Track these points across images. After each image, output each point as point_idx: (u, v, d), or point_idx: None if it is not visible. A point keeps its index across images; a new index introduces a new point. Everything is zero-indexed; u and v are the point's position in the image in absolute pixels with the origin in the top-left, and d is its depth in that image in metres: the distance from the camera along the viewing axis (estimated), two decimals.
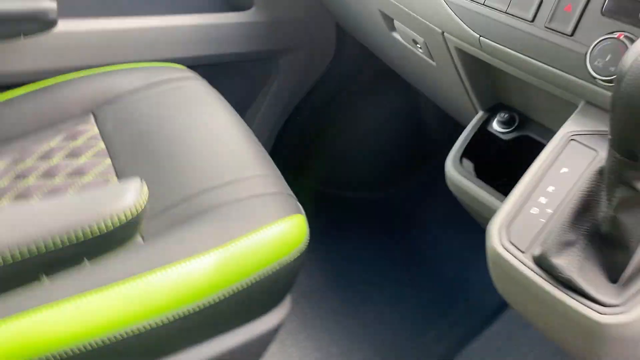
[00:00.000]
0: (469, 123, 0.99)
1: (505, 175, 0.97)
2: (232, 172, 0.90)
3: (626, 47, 0.58)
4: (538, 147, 0.88)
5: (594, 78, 0.61)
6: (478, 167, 0.94)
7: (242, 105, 1.67)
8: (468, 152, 0.94)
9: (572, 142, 0.63)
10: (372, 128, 1.79)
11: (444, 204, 1.36)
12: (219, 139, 0.98)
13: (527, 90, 0.81)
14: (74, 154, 1.01)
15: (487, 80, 0.87)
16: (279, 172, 0.96)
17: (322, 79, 1.73)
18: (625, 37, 0.59)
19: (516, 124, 0.91)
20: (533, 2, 0.67)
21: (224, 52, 1.49)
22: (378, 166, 1.78)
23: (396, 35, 1.05)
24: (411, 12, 0.88)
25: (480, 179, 0.92)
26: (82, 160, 0.99)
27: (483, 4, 0.72)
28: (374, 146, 1.78)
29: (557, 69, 0.67)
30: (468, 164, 0.92)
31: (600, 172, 0.55)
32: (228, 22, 1.46)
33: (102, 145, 1.02)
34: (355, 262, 1.59)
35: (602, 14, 0.61)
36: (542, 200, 0.60)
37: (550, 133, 0.87)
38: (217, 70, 1.55)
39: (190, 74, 1.21)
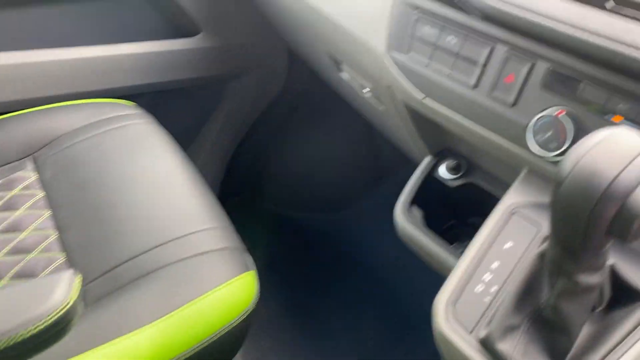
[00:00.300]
0: (418, 162, 0.99)
1: (454, 220, 0.98)
2: (178, 227, 0.87)
3: (566, 126, 0.58)
4: (485, 194, 0.89)
5: (536, 153, 0.61)
6: (427, 213, 0.94)
7: (192, 130, 1.64)
8: (417, 198, 0.94)
9: (515, 215, 0.63)
10: (326, 149, 1.78)
11: None
12: (165, 188, 0.95)
13: (474, 146, 0.81)
14: (10, 206, 0.96)
15: (434, 130, 0.87)
16: (227, 222, 0.93)
17: (275, 101, 1.71)
18: (565, 114, 0.59)
19: (463, 171, 0.92)
20: (475, 69, 0.67)
21: (173, 79, 1.45)
22: (334, 187, 1.77)
23: (344, 76, 1.03)
24: (358, 62, 0.87)
25: (430, 225, 0.93)
26: (19, 214, 0.94)
27: (426, 66, 0.72)
28: (329, 167, 1.77)
29: (499, 137, 0.67)
30: (417, 212, 0.91)
31: (542, 255, 0.55)
32: (176, 48, 1.42)
33: (41, 194, 0.98)
34: (311, 288, 1.58)
35: (543, 87, 0.62)
36: (487, 277, 0.60)
37: (496, 181, 0.88)
38: (165, 96, 1.51)
39: (135, 110, 1.16)
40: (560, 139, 0.59)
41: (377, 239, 1.69)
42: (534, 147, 0.61)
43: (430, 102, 0.74)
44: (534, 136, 0.61)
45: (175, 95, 1.52)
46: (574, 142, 0.58)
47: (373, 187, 1.77)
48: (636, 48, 0.52)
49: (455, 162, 0.91)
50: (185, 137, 1.63)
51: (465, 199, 0.93)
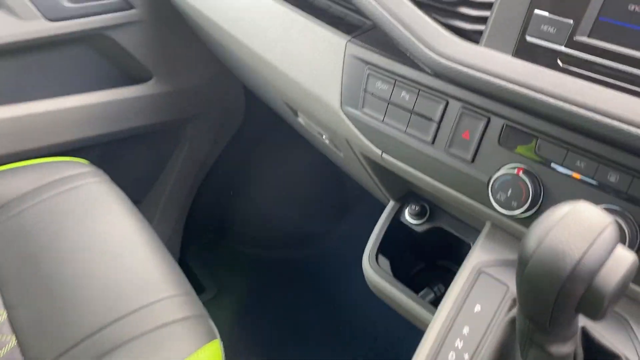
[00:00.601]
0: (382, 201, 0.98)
1: (423, 263, 0.96)
2: (138, 298, 0.83)
3: (526, 184, 0.57)
4: (452, 237, 0.88)
5: (498, 211, 0.60)
6: (395, 258, 0.92)
7: (151, 176, 1.59)
8: (384, 244, 0.92)
9: (483, 275, 0.62)
10: (290, 183, 1.75)
11: None
12: (122, 255, 0.90)
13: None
14: None
15: (395, 178, 0.85)
16: (188, 288, 0.89)
17: (235, 140, 1.68)
18: (524, 172, 0.58)
19: (428, 215, 0.91)
20: (431, 126, 0.65)
21: (126, 128, 1.41)
22: (300, 222, 1.75)
23: (301, 121, 1.02)
24: (314, 114, 0.85)
25: (399, 270, 0.91)
26: None
27: (382, 122, 0.70)
28: (294, 202, 1.75)
29: (460, 193, 0.65)
30: (384, 262, 0.90)
31: (513, 321, 0.54)
32: (127, 96, 1.38)
33: None
34: (282, 329, 1.54)
35: (500, 143, 0.61)
36: (459, 344, 0.58)
37: (462, 224, 0.87)
38: (120, 145, 1.46)
39: (86, 167, 1.12)
40: (522, 198, 0.58)
41: (348, 272, 1.66)
42: (495, 205, 0.60)
43: (388, 158, 0.72)
44: (495, 195, 0.60)
45: (130, 143, 1.48)
46: (534, 200, 0.58)
47: (341, 219, 1.75)
48: (587, 108, 0.52)
49: (418, 207, 0.90)
50: (143, 184, 1.59)
51: (432, 242, 0.92)
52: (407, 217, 0.92)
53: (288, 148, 1.71)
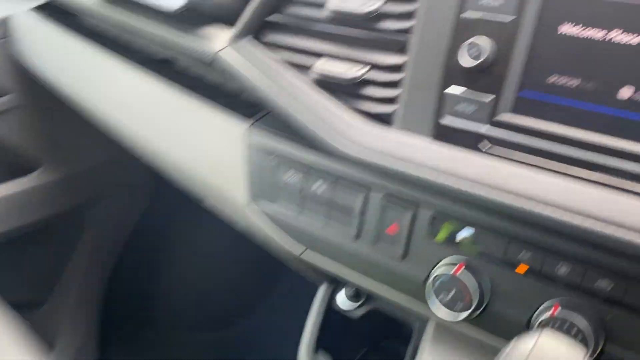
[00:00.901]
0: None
1: (367, 347, 0.88)
2: None
3: (467, 284, 0.50)
4: (392, 322, 0.80)
5: (441, 317, 0.52)
6: (335, 347, 0.83)
7: (53, 272, 1.42)
8: (320, 335, 0.83)
9: None
10: (212, 257, 1.62)
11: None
12: None
13: None
14: None
15: None
16: None
17: (146, 218, 1.54)
18: (465, 270, 0.51)
19: (365, 297, 0.82)
20: (353, 219, 0.57)
21: (18, 226, 1.25)
22: (226, 299, 1.61)
23: (210, 205, 0.91)
24: (221, 210, 0.75)
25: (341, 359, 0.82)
26: None
27: (299, 215, 0.61)
28: (217, 278, 1.61)
29: (396, 292, 0.57)
30: (324, 357, 0.80)
31: None
32: (15, 191, 1.23)
33: None
34: None
35: (432, 236, 0.53)
36: None
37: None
38: (13, 244, 1.29)
39: None
40: (466, 299, 0.51)
41: (287, 346, 1.54)
42: (438, 310, 0.52)
43: (311, 256, 0.63)
44: (437, 295, 0.52)
45: (23, 242, 1.31)
46: (480, 301, 0.50)
47: (273, 288, 1.63)
48: (524, 197, 0.45)
49: (353, 289, 0.81)
50: (45, 283, 1.41)
51: (372, 323, 0.84)
52: (342, 301, 0.83)
53: (205, 220, 1.58)
